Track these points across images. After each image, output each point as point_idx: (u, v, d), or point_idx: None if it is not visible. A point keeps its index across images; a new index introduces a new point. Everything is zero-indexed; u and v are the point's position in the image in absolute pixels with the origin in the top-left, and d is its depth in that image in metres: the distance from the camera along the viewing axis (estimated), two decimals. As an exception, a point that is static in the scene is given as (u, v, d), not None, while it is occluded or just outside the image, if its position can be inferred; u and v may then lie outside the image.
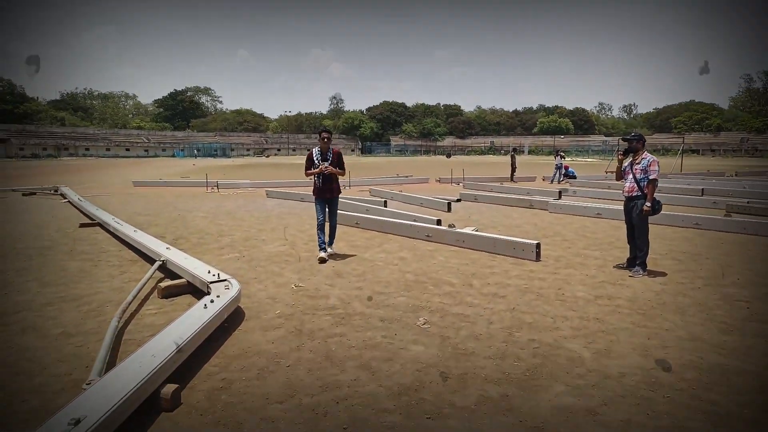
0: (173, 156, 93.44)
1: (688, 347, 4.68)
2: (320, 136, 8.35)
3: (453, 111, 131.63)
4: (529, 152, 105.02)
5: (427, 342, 4.82)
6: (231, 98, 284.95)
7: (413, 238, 10.11)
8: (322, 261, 8.12)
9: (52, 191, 21.02)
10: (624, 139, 7.69)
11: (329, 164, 8.26)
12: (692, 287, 6.64)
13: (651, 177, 7.27)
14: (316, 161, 8.30)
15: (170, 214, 14.20)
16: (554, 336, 4.96)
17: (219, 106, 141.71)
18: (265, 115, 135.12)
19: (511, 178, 27.49)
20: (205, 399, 3.78)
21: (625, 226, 7.80)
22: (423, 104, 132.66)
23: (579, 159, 71.23)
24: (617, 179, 7.95)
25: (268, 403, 3.72)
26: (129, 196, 19.71)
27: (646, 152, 7.51)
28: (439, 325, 5.25)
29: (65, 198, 18.12)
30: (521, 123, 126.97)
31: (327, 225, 8.59)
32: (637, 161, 7.46)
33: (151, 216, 13.74)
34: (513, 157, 28.28)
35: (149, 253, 8.12)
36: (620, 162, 7.79)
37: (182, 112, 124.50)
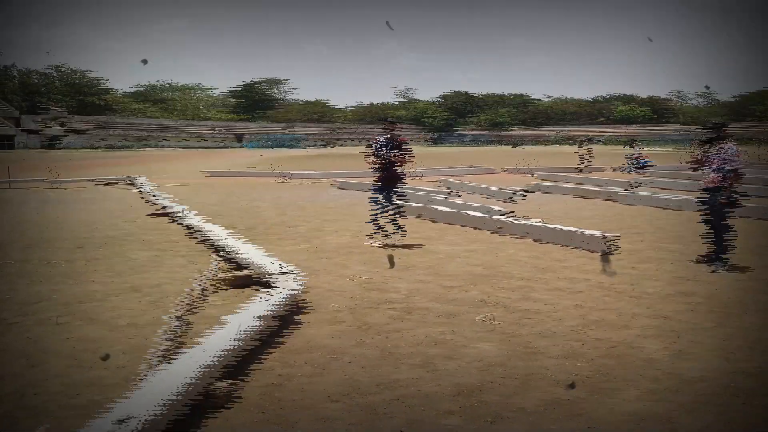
0: (244, 147, 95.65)
1: (773, 351, 4.35)
2: (385, 126, 8.57)
3: (525, 100, 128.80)
4: (604, 142, 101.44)
5: (492, 339, 4.69)
6: (303, 89, 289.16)
7: (481, 230, 9.94)
8: (373, 247, 8.46)
9: (128, 181, 21.66)
10: (705, 128, 7.26)
11: (392, 153, 8.39)
12: (778, 285, 6.19)
13: (733, 168, 6.83)
14: (379, 149, 8.43)
15: (239, 204, 14.55)
16: (626, 335, 4.73)
17: (290, 97, 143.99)
18: (336, 105, 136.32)
19: (583, 169, 26.59)
20: (261, 396, 3.64)
21: (704, 218, 7.37)
22: (494, 94, 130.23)
23: (655, 149, 68.07)
24: (696, 170, 7.53)
25: (324, 401, 3.58)
26: (200, 186, 20.33)
27: (728, 141, 7.05)
28: (505, 322, 5.11)
29: (139, 188, 18.81)
30: (597, 112, 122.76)
31: (388, 214, 8.71)
32: (718, 151, 7.02)
33: (220, 206, 14.12)
34: (586, 147, 27.32)
35: (216, 244, 8.28)
36: (700, 152, 7.35)
37: (255, 103, 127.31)
